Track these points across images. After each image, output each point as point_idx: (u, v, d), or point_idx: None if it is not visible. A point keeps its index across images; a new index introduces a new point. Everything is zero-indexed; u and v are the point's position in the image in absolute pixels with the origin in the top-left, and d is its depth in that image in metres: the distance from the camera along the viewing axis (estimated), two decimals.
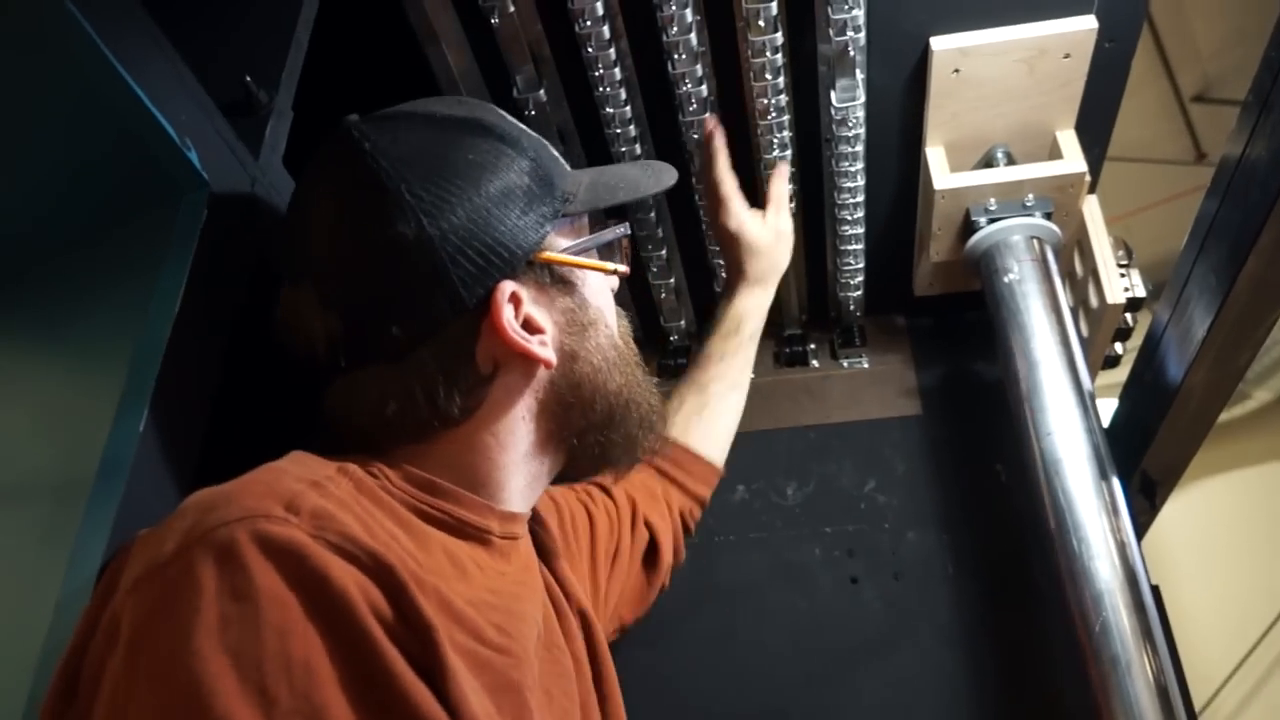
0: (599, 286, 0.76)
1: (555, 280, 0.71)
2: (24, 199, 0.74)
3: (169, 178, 0.73)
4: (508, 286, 0.66)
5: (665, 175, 0.83)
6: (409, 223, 0.64)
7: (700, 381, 1.07)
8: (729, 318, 1.07)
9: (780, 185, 1.12)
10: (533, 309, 0.69)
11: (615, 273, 0.77)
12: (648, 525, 1.00)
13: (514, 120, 0.74)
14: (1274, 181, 0.76)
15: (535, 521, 0.83)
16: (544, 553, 0.82)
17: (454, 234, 0.64)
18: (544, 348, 0.68)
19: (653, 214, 1.23)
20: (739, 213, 1.06)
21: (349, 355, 0.66)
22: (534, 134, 0.74)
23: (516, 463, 0.72)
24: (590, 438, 0.75)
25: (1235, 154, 0.84)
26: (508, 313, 0.66)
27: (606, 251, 0.77)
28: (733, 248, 1.07)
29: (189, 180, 0.73)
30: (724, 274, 1.15)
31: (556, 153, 0.76)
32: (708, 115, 1.07)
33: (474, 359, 0.67)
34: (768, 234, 1.08)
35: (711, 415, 1.06)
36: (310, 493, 0.55)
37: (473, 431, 0.69)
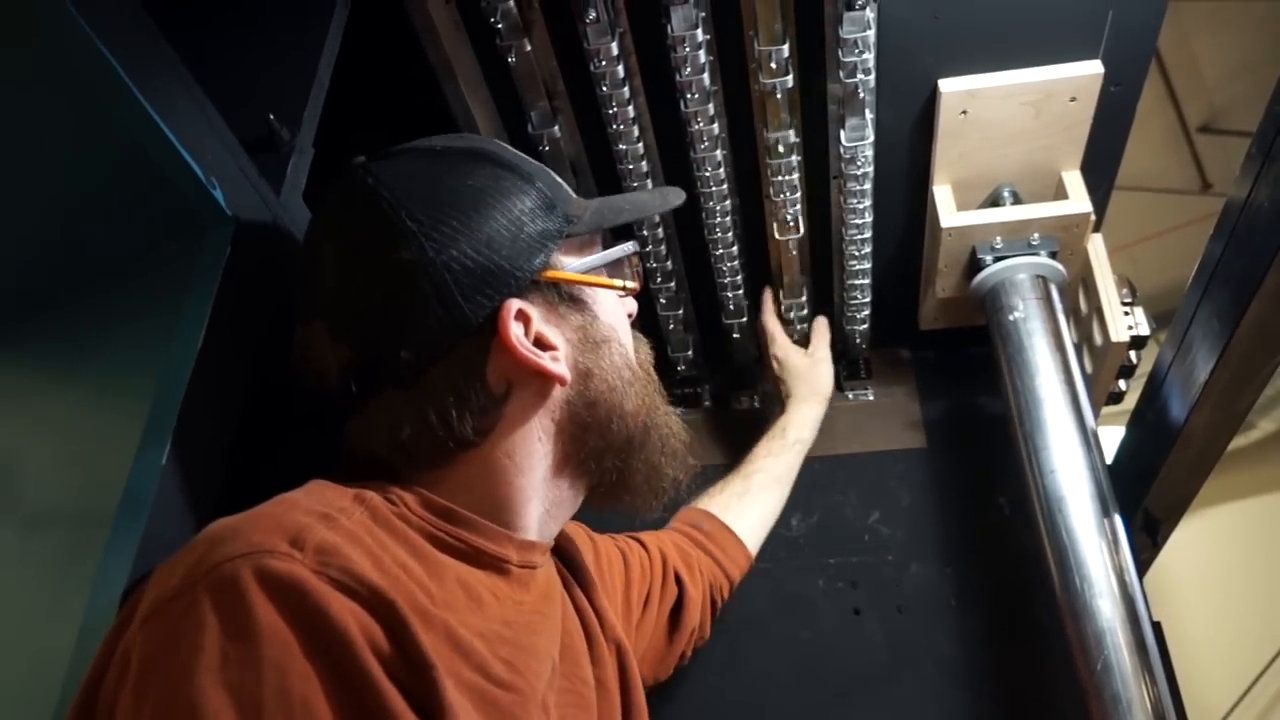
0: (611, 306, 0.77)
1: (565, 298, 0.72)
2: (55, 232, 0.76)
3: (194, 214, 0.75)
4: (514, 304, 0.68)
5: (672, 196, 0.86)
6: (410, 247, 0.65)
7: (745, 471, 1.20)
8: (777, 425, 1.26)
9: (820, 329, 1.36)
10: (543, 326, 0.70)
11: (624, 289, 0.78)
12: (678, 581, 1.03)
13: (516, 150, 0.76)
14: (1276, 231, 0.77)
15: (568, 551, 0.84)
16: (582, 582, 0.83)
17: (456, 256, 0.66)
18: (556, 363, 0.70)
19: (663, 247, 1.24)
20: (784, 344, 1.32)
21: (361, 383, 0.67)
22: (535, 162, 0.76)
23: (535, 486, 0.72)
24: (609, 461, 0.76)
25: (1240, 198, 0.85)
26: (516, 330, 0.67)
27: (616, 270, 0.78)
28: (780, 372, 1.31)
29: (214, 217, 0.75)
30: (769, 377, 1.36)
31: (561, 180, 0.77)
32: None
33: (485, 379, 0.68)
34: (807, 361, 1.31)
35: (750, 501, 1.17)
36: (318, 526, 0.56)
37: (489, 454, 0.70)
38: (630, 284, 0.79)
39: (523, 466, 0.70)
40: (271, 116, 0.84)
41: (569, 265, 0.73)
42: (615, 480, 0.77)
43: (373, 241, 0.67)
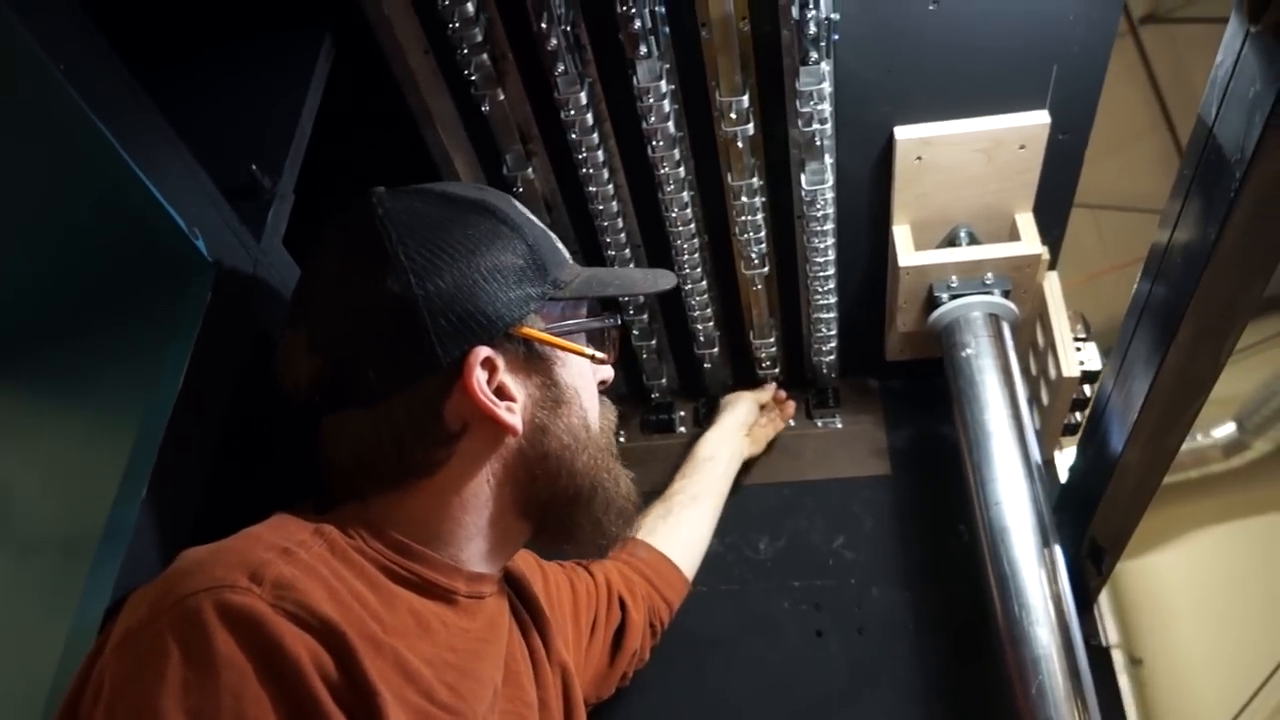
0: (580, 370, 0.81)
1: (533, 355, 0.77)
2: (45, 276, 0.82)
3: (177, 261, 0.80)
4: (482, 351, 0.72)
5: (663, 280, 0.90)
6: (399, 280, 0.70)
7: (664, 495, 1.28)
8: (691, 450, 1.36)
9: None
10: (507, 377, 0.74)
11: (594, 359, 0.82)
12: (621, 606, 1.08)
13: (525, 211, 0.81)
14: (1191, 276, 0.81)
15: (518, 582, 0.89)
16: (530, 609, 0.88)
17: (439, 296, 0.70)
18: (511, 414, 0.74)
19: None
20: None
21: (327, 396, 0.73)
22: (541, 226, 0.81)
23: (480, 526, 0.77)
24: (556, 513, 0.80)
25: (1163, 240, 0.89)
26: (479, 376, 0.72)
27: (595, 338, 0.83)
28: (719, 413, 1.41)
29: (196, 264, 0.81)
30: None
31: (561, 246, 0.82)
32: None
33: (443, 415, 0.72)
34: (734, 396, 1.45)
35: (674, 523, 1.23)
36: (277, 561, 0.61)
37: (440, 486, 0.74)
38: (600, 354, 0.82)
39: (469, 504, 0.75)
40: (254, 166, 0.90)
41: (548, 325, 0.78)
42: (559, 530, 0.82)
43: (367, 267, 0.71)
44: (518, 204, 0.81)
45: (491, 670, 0.75)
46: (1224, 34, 0.70)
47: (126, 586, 0.68)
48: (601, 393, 0.86)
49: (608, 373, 0.86)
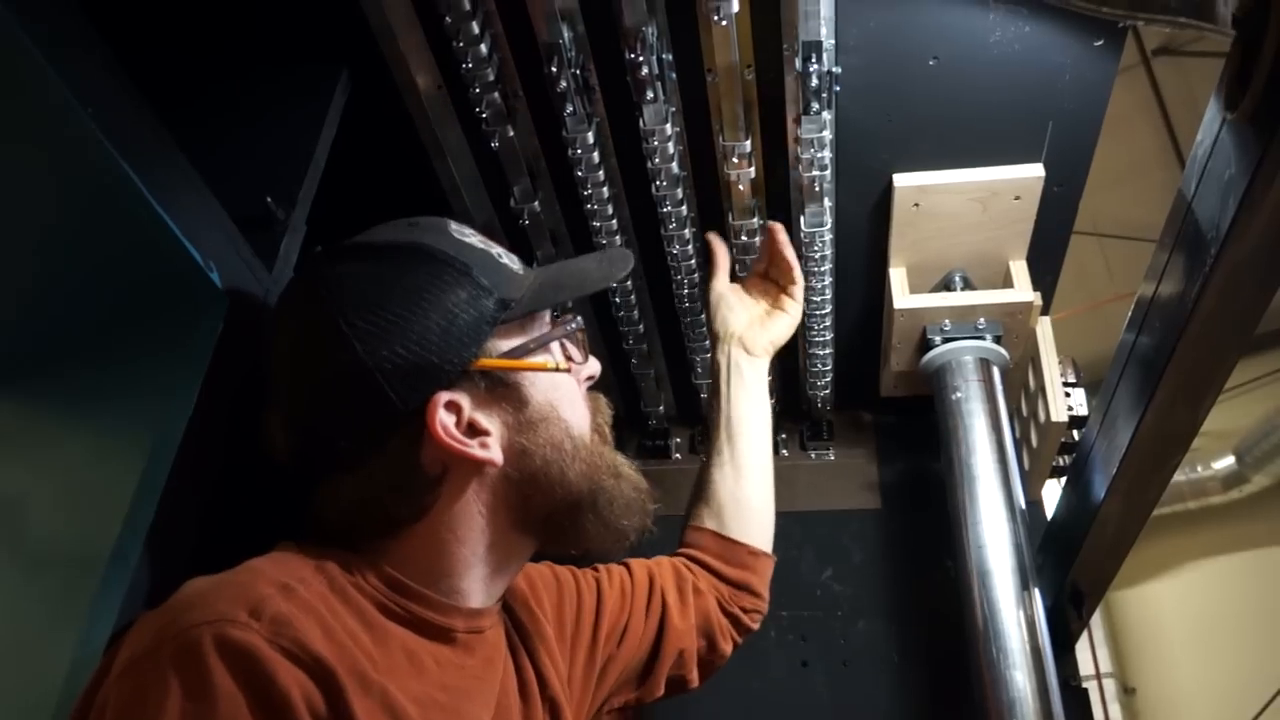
0: (552, 383, 0.79)
1: (496, 384, 0.76)
2: (65, 302, 0.85)
3: (192, 291, 0.83)
4: (442, 397, 0.72)
5: (617, 267, 0.88)
6: (346, 350, 0.71)
7: (724, 457, 1.09)
8: (744, 380, 1.11)
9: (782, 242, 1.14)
10: (476, 413, 0.74)
11: (557, 369, 0.80)
12: (663, 605, 1.01)
13: (461, 236, 0.79)
14: (1168, 345, 0.84)
15: (517, 611, 0.88)
16: (526, 642, 0.87)
17: (388, 357, 0.71)
18: (485, 449, 0.74)
19: (635, 311, 1.33)
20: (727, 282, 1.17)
21: (309, 467, 0.75)
22: (478, 247, 0.79)
23: (479, 554, 0.78)
24: (558, 524, 0.81)
25: (1148, 293, 0.91)
26: (445, 420, 0.72)
27: (570, 340, 0.83)
28: (723, 310, 1.14)
29: (210, 294, 0.84)
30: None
31: (507, 260, 0.81)
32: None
33: (420, 464, 0.74)
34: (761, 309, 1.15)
35: (730, 497, 1.07)
36: (277, 598, 0.63)
37: (432, 528, 0.76)
38: (563, 364, 0.81)
39: (464, 538, 0.77)
40: (269, 199, 0.93)
41: (502, 350, 0.77)
42: (567, 538, 0.82)
43: (313, 343, 0.73)
44: (453, 229, 0.80)
45: (481, 710, 0.77)
46: (1205, 115, 0.73)
47: (133, 607, 0.71)
48: (590, 388, 0.85)
49: (592, 368, 0.85)
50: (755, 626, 1.08)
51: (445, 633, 0.76)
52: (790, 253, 1.13)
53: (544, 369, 0.79)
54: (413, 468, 0.74)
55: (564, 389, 0.81)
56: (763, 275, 1.17)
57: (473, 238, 0.81)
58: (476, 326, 0.75)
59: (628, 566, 1.04)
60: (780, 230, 1.13)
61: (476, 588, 0.79)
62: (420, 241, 0.77)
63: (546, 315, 0.82)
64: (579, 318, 0.85)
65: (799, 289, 1.14)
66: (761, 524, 1.09)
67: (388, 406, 0.72)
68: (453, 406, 0.73)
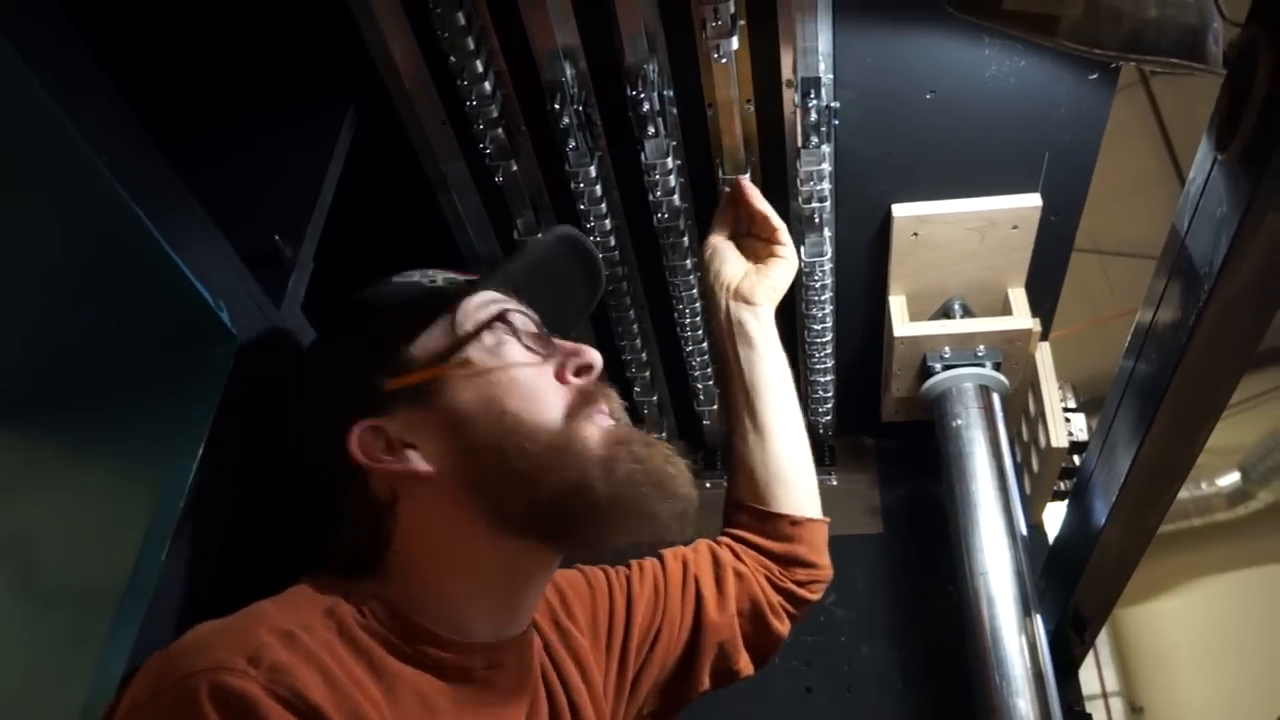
0: (488, 381, 0.76)
1: (417, 398, 0.75)
2: (75, 341, 0.86)
3: (202, 330, 0.84)
4: (359, 426, 0.74)
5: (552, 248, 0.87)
6: (293, 433, 0.80)
7: (748, 425, 1.02)
8: (752, 339, 1.04)
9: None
10: (401, 431, 0.74)
11: (505, 367, 0.76)
12: (698, 594, 0.96)
13: (397, 279, 0.82)
14: (1165, 375, 0.85)
15: (547, 625, 0.86)
16: (557, 662, 0.85)
17: (311, 432, 0.78)
18: (419, 460, 0.73)
19: (638, 340, 1.34)
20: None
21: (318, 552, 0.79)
22: (407, 284, 0.81)
23: (472, 575, 0.76)
24: (551, 516, 0.75)
25: (1145, 320, 0.91)
26: (365, 447, 0.74)
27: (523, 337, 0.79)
28: (718, 264, 1.07)
29: (219, 333, 0.85)
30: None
31: (442, 280, 0.81)
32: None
33: (374, 497, 0.75)
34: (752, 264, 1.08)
35: (762, 463, 1.01)
36: (278, 646, 0.64)
37: (411, 554, 0.75)
38: (521, 359, 0.77)
39: (448, 557, 0.75)
40: (277, 237, 0.94)
41: (428, 358, 0.76)
42: (575, 534, 0.76)
43: (284, 431, 0.82)
44: (396, 277, 0.82)
45: None
46: (1197, 153, 0.74)
47: (146, 645, 0.72)
48: (583, 376, 0.79)
49: (586, 358, 0.79)
50: (816, 596, 1.02)
51: (463, 673, 0.75)
52: (762, 203, 1.07)
53: (442, 375, 0.75)
54: (368, 501, 0.75)
55: (510, 384, 0.76)
56: (746, 235, 1.10)
57: (411, 274, 0.82)
58: (371, 354, 0.76)
59: (662, 560, 0.98)
60: (746, 185, 1.07)
61: (485, 617, 0.77)
62: (358, 300, 0.82)
63: (482, 316, 0.78)
64: (514, 311, 0.80)
65: (783, 233, 1.06)
66: (800, 488, 1.02)
67: (335, 459, 0.75)
68: (373, 430, 0.74)
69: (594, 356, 0.80)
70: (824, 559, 1.02)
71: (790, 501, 1.01)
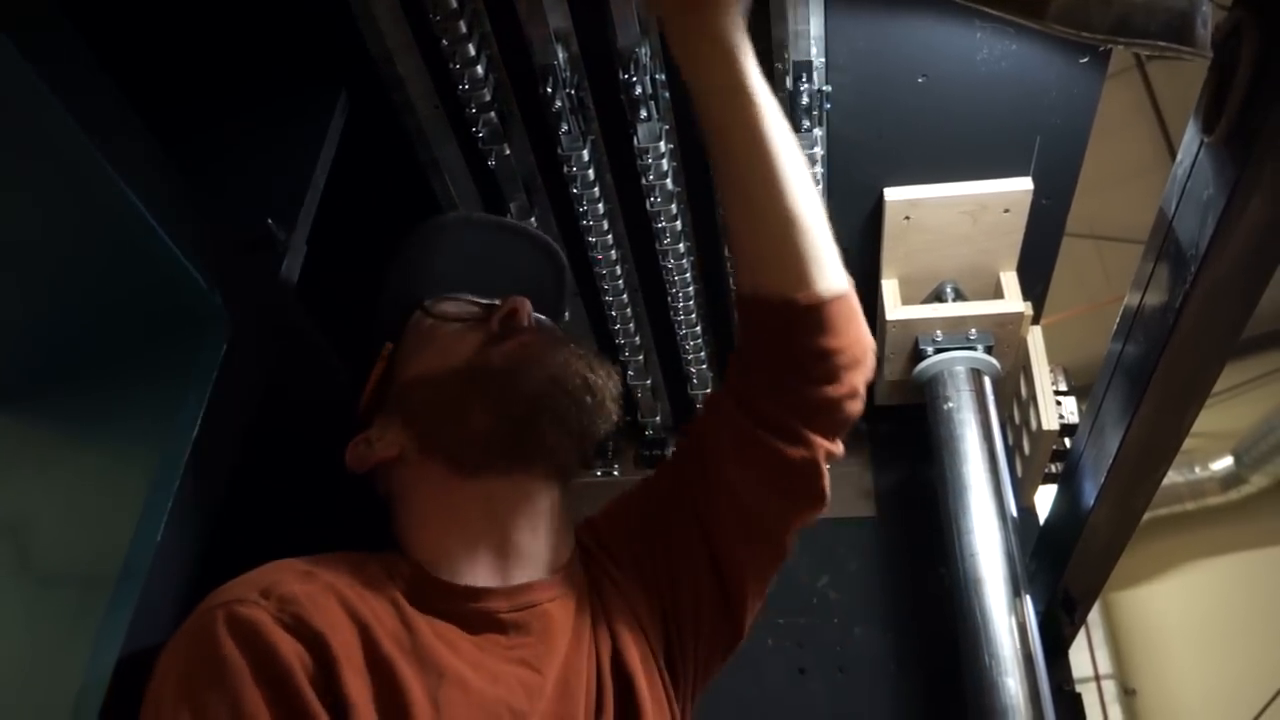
0: (409, 364, 0.87)
1: (380, 404, 0.88)
2: (69, 325, 0.86)
3: (196, 313, 0.85)
4: (349, 448, 0.86)
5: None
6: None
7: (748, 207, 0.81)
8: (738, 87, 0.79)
9: None
10: (378, 435, 0.86)
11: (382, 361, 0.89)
12: (701, 453, 0.88)
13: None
14: (1153, 357, 0.85)
15: (592, 565, 0.88)
16: (602, 600, 0.85)
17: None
18: (385, 449, 0.85)
19: (632, 324, 1.35)
20: None
21: None
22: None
23: (471, 532, 0.81)
24: (481, 441, 0.81)
25: (1133, 303, 0.92)
26: (357, 460, 0.86)
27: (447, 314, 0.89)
28: None
29: (213, 316, 0.85)
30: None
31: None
32: None
33: (379, 489, 0.88)
34: None
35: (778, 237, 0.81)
36: (292, 581, 0.72)
37: (415, 524, 0.83)
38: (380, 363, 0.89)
39: (441, 518, 0.82)
40: (270, 220, 0.94)
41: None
42: (529, 451, 0.82)
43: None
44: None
45: (507, 693, 0.74)
46: (1184, 136, 0.75)
47: (142, 623, 0.73)
48: (510, 327, 0.85)
49: (502, 310, 0.87)
50: (862, 383, 0.88)
51: (485, 619, 0.78)
52: None
53: (376, 382, 0.89)
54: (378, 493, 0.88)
55: (434, 355, 0.86)
56: None
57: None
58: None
59: (684, 432, 0.95)
60: None
61: (487, 560, 0.81)
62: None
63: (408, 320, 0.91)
64: (436, 302, 0.91)
65: None
66: (816, 257, 0.82)
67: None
68: (360, 441, 0.86)
69: (517, 303, 0.87)
70: (846, 335, 0.85)
71: (807, 277, 0.81)
